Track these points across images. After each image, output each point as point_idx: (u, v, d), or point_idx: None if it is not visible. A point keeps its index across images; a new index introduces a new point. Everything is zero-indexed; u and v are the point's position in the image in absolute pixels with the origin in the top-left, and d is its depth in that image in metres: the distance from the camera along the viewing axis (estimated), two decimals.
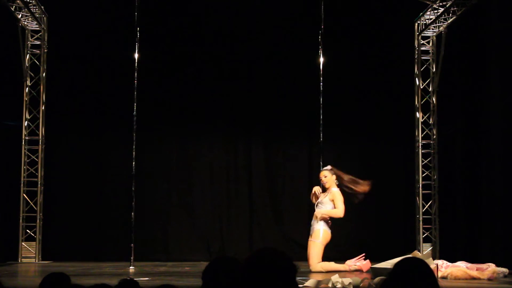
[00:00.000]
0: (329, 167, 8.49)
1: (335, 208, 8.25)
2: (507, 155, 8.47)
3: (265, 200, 10.50)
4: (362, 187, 8.37)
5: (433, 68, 10.31)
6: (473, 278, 7.07)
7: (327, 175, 8.38)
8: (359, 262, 8.20)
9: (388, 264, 6.86)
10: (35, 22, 9.92)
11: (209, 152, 10.54)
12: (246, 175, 10.52)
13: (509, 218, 8.28)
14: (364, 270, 8.01)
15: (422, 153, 10.26)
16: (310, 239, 8.23)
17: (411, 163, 10.39)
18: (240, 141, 10.62)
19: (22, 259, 9.73)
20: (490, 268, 7.24)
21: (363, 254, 8.33)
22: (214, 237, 10.33)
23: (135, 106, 9.26)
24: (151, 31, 10.00)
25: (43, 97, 10.10)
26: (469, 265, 7.36)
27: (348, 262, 8.25)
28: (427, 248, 9.95)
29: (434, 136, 10.28)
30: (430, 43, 10.38)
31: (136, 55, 9.30)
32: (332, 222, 8.36)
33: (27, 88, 10.07)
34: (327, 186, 8.37)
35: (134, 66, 9.29)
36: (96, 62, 10.28)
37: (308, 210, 10.34)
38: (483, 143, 9.14)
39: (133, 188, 9.20)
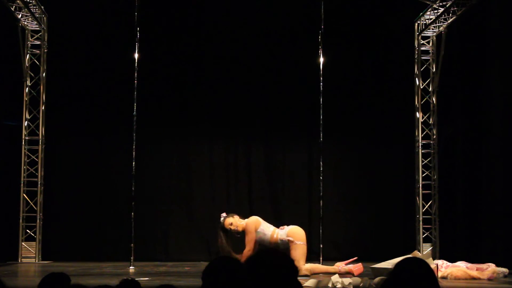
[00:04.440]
0: (224, 214, 7.88)
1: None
2: (507, 155, 8.47)
3: (265, 200, 10.50)
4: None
5: (433, 68, 10.31)
6: (473, 278, 7.07)
7: (232, 221, 7.72)
8: (350, 265, 7.72)
9: (388, 264, 6.85)
10: (35, 22, 9.91)
11: (209, 152, 10.54)
12: (246, 175, 10.52)
13: (509, 218, 8.28)
14: (356, 274, 7.50)
15: (422, 153, 10.25)
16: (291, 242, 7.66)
17: (411, 163, 10.39)
18: (240, 141, 10.62)
19: (22, 259, 9.73)
20: (490, 268, 7.24)
21: (355, 257, 7.90)
22: (214, 237, 10.31)
23: (135, 106, 9.25)
24: (151, 31, 10.01)
25: (43, 97, 10.09)
26: (469, 265, 7.36)
27: (338, 263, 7.83)
28: (427, 248, 9.95)
29: (434, 136, 10.28)
30: (430, 43, 10.38)
31: (136, 55, 9.29)
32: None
33: (27, 88, 10.07)
34: (240, 229, 7.72)
35: (134, 66, 9.29)
36: (96, 62, 10.28)
37: (308, 210, 10.37)
38: (483, 143, 9.14)
39: (133, 188, 9.20)
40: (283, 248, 7.63)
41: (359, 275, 7.34)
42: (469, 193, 9.42)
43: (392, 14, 10.51)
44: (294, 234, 7.70)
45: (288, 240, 7.66)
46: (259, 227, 7.75)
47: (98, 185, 10.25)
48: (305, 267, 7.61)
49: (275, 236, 7.72)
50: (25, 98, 10.06)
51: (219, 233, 7.81)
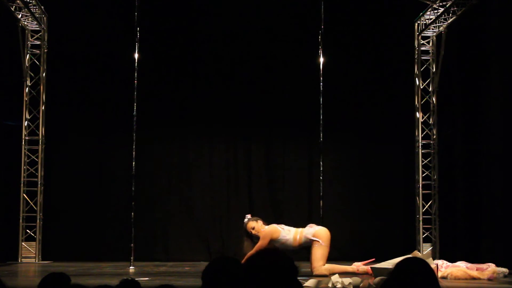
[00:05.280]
0: (248, 215, 7.93)
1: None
2: (507, 155, 8.47)
3: (265, 200, 10.50)
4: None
5: (433, 68, 10.31)
6: (473, 278, 7.07)
7: (254, 225, 7.72)
8: (365, 265, 7.59)
9: (388, 264, 6.85)
10: (35, 22, 9.92)
11: (209, 152, 10.55)
12: (246, 175, 10.53)
13: (509, 218, 8.28)
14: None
15: (422, 153, 10.26)
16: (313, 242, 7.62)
17: (411, 163, 10.39)
18: (240, 141, 10.63)
19: (22, 259, 9.73)
20: (490, 268, 7.24)
21: (373, 258, 7.76)
22: (214, 237, 10.33)
23: (135, 106, 9.25)
24: (151, 31, 10.01)
25: (43, 97, 10.10)
26: (469, 265, 7.35)
27: (356, 263, 7.74)
28: (427, 248, 9.95)
29: (434, 136, 10.28)
30: (430, 43, 10.39)
31: (136, 55, 9.29)
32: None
33: (27, 88, 10.07)
34: (260, 234, 7.66)
35: (134, 66, 9.29)
36: (96, 62, 10.29)
37: (308, 210, 10.37)
38: (483, 143, 9.14)
39: (133, 188, 9.20)
40: (306, 247, 7.65)
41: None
42: (469, 193, 9.42)
43: (392, 14, 10.50)
44: (320, 236, 7.64)
45: (313, 240, 7.62)
46: (279, 236, 7.68)
47: (98, 185, 10.26)
48: (325, 267, 7.57)
49: (298, 237, 7.66)
50: (25, 98, 10.07)
51: (244, 235, 7.74)
